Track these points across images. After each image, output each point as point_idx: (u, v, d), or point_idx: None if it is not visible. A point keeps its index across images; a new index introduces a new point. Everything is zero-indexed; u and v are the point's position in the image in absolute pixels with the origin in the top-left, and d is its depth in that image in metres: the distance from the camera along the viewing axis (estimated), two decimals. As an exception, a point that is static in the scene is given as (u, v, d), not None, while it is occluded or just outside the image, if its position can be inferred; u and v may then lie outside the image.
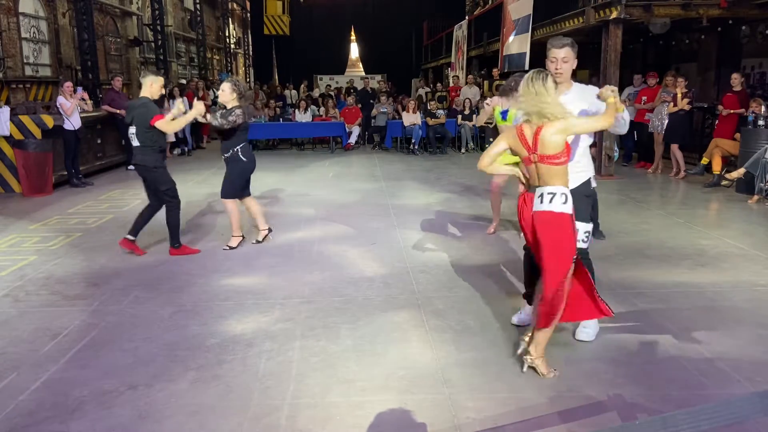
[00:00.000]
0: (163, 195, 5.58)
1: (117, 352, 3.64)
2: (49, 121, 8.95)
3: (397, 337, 3.82)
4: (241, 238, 5.95)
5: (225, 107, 5.71)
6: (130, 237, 5.63)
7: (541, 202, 3.19)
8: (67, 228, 6.77)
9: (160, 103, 5.73)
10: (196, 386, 3.22)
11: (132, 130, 5.43)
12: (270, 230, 6.12)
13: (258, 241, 5.98)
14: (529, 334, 3.34)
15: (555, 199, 3.17)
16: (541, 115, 3.15)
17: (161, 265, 5.36)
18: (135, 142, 5.45)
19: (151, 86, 5.52)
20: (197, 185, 9.27)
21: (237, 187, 5.80)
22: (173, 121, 5.50)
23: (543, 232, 3.18)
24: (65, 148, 9.28)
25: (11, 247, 6.01)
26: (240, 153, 5.69)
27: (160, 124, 5.36)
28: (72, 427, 2.88)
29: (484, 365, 3.41)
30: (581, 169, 3.64)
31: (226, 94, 5.66)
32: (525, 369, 3.30)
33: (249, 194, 5.99)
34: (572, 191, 3.30)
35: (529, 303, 3.82)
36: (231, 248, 5.82)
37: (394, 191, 8.82)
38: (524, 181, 3.38)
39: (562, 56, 3.53)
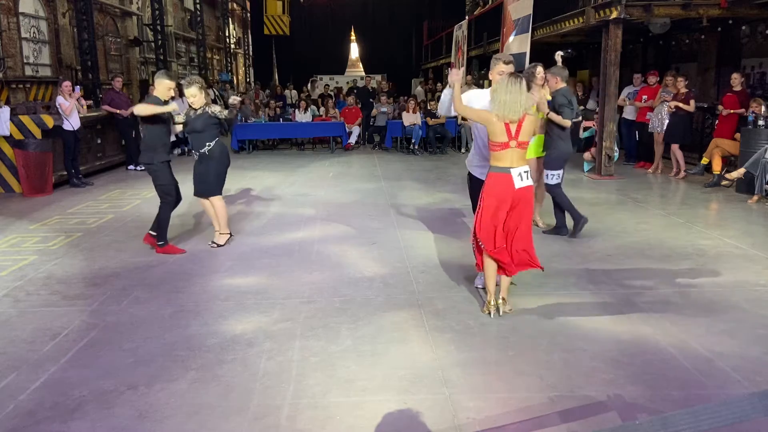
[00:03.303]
0: (158, 191, 5.69)
1: (117, 352, 3.64)
2: (49, 121, 8.95)
3: (397, 337, 3.82)
4: (229, 235, 6.03)
5: (194, 108, 5.80)
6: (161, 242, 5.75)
7: (522, 179, 3.93)
8: (67, 228, 6.77)
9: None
10: (196, 386, 3.22)
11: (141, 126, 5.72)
12: (231, 235, 6.11)
13: (218, 245, 5.90)
14: (502, 295, 4.09)
15: (529, 175, 4.00)
16: (524, 109, 3.87)
17: (161, 265, 5.36)
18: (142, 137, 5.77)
19: (158, 87, 5.70)
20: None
21: (222, 182, 5.92)
22: (146, 106, 5.52)
23: (526, 202, 3.99)
24: (65, 148, 9.29)
25: (11, 247, 6.01)
26: (217, 147, 5.79)
27: (137, 108, 5.53)
28: (72, 427, 2.88)
29: (484, 365, 3.41)
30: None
31: (198, 97, 5.71)
32: (502, 313, 4.05)
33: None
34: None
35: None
36: (219, 245, 5.88)
37: (394, 191, 8.82)
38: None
39: (509, 71, 4.25)
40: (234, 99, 5.94)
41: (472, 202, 4.67)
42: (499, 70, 4.30)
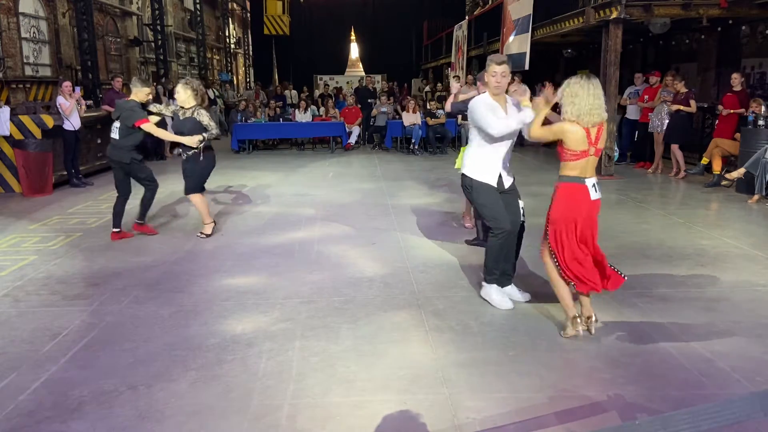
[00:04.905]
0: (142, 182, 6.21)
1: (117, 352, 3.64)
2: (49, 121, 8.95)
3: (397, 337, 3.82)
4: (213, 224, 6.35)
5: (182, 108, 6.08)
6: (116, 229, 6.21)
7: (596, 191, 3.68)
8: (67, 228, 6.77)
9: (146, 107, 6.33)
10: (196, 386, 3.22)
11: (116, 125, 6.01)
12: (214, 223, 6.44)
13: (206, 235, 6.23)
14: (586, 313, 3.76)
15: (599, 188, 3.73)
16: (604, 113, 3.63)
17: (161, 265, 5.36)
18: (114, 135, 6.01)
19: (137, 94, 6.06)
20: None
21: (201, 182, 6.22)
22: (159, 128, 6.06)
23: (596, 217, 3.74)
24: (65, 148, 9.29)
25: (11, 247, 6.01)
26: (201, 151, 6.01)
27: (147, 126, 5.95)
28: (72, 427, 2.88)
29: (484, 365, 3.41)
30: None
31: (180, 94, 6.04)
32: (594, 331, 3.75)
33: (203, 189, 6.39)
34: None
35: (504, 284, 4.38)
36: (207, 236, 6.18)
37: (394, 191, 8.81)
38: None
39: (501, 71, 4.05)
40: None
41: (486, 210, 4.27)
42: (491, 71, 4.06)
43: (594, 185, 3.67)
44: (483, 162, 4.21)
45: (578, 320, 3.72)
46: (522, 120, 4.02)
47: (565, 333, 3.76)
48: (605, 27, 9.28)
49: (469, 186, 4.27)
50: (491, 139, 4.13)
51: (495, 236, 4.24)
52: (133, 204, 6.43)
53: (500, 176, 4.22)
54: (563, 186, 3.69)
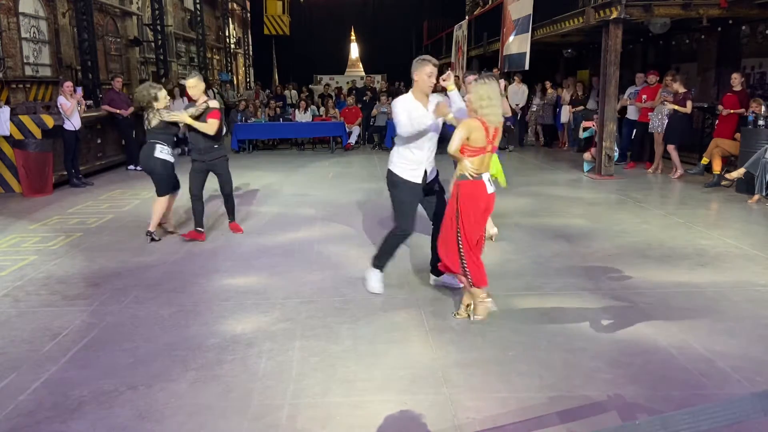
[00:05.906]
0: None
1: (117, 352, 3.64)
2: (49, 121, 8.95)
3: (397, 337, 3.82)
4: (149, 236, 6.10)
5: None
6: (200, 229, 6.15)
7: (491, 185, 3.91)
8: (67, 228, 6.77)
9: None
10: (196, 386, 3.22)
11: None
12: (150, 238, 6.11)
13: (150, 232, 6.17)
14: (468, 303, 4.02)
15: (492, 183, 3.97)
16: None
17: (161, 265, 5.36)
18: None
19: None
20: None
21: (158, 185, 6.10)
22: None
23: (490, 211, 4.05)
24: (65, 148, 9.29)
25: (11, 247, 6.01)
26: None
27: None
28: (72, 427, 2.88)
29: (484, 365, 3.41)
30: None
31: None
32: (474, 318, 3.97)
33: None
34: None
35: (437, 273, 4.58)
36: (151, 237, 6.08)
37: (394, 191, 8.80)
38: (474, 174, 3.87)
39: (435, 72, 4.22)
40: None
41: (401, 207, 4.42)
42: (428, 71, 4.17)
43: (489, 180, 3.89)
44: (409, 160, 4.37)
45: (471, 307, 4.03)
46: (428, 119, 4.22)
47: (458, 314, 4.07)
48: (605, 27, 9.28)
49: (394, 182, 4.43)
50: (413, 138, 4.29)
51: (396, 236, 4.44)
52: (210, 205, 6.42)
53: (425, 172, 4.44)
54: (463, 184, 3.88)
